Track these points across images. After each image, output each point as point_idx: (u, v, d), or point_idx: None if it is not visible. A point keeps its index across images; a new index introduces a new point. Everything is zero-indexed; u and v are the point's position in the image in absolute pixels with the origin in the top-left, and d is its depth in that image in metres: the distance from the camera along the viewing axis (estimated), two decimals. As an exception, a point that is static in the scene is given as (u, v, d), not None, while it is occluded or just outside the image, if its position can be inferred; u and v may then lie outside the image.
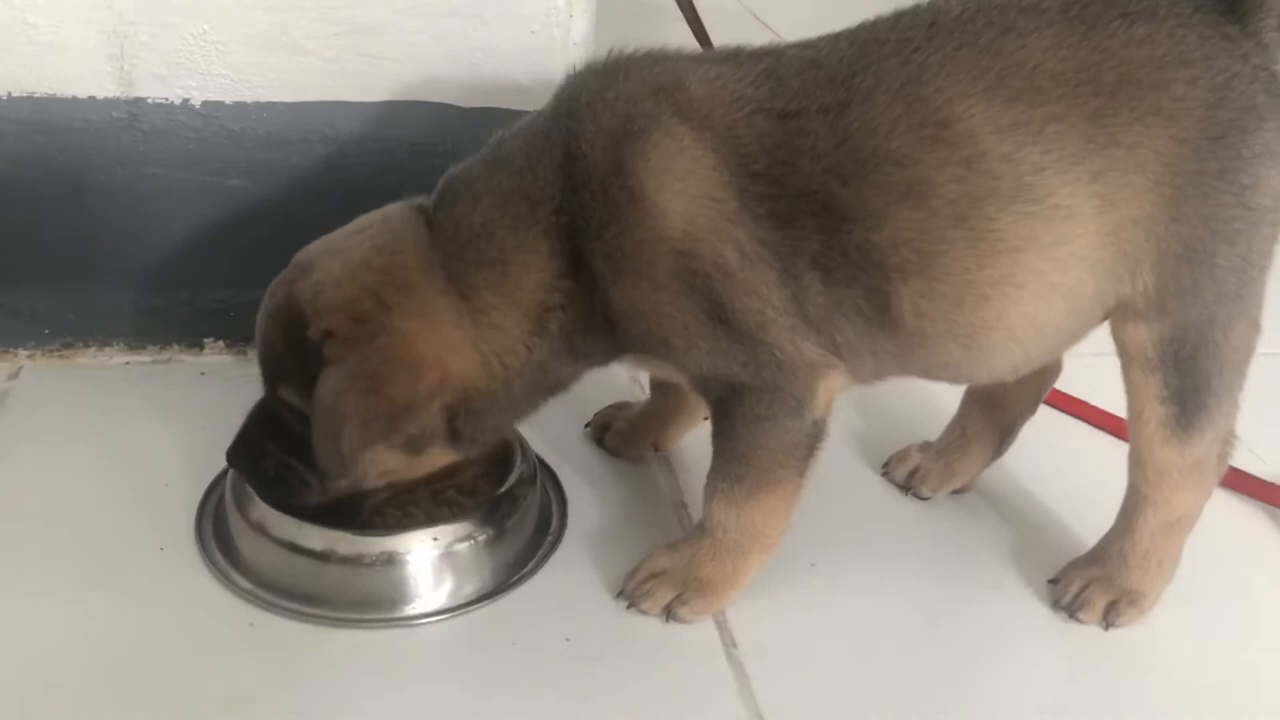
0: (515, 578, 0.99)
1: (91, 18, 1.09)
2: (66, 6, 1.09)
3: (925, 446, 1.15)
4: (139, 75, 1.13)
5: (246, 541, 0.98)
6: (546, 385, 0.94)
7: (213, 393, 1.20)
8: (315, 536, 0.95)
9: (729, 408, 0.91)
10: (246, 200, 1.19)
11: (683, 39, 1.17)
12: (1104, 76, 0.83)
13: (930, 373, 0.94)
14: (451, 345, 0.89)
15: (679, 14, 1.24)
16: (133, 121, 1.14)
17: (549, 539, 1.04)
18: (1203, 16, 0.85)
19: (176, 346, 1.26)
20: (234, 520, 0.99)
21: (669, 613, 0.95)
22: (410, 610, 0.95)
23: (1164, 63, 0.83)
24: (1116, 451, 1.02)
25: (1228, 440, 0.96)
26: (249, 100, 1.15)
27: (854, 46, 0.88)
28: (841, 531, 1.07)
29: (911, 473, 1.14)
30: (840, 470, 1.14)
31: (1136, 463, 0.96)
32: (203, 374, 1.24)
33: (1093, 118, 0.83)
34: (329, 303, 0.88)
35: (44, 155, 1.14)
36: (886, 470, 1.16)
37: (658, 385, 1.12)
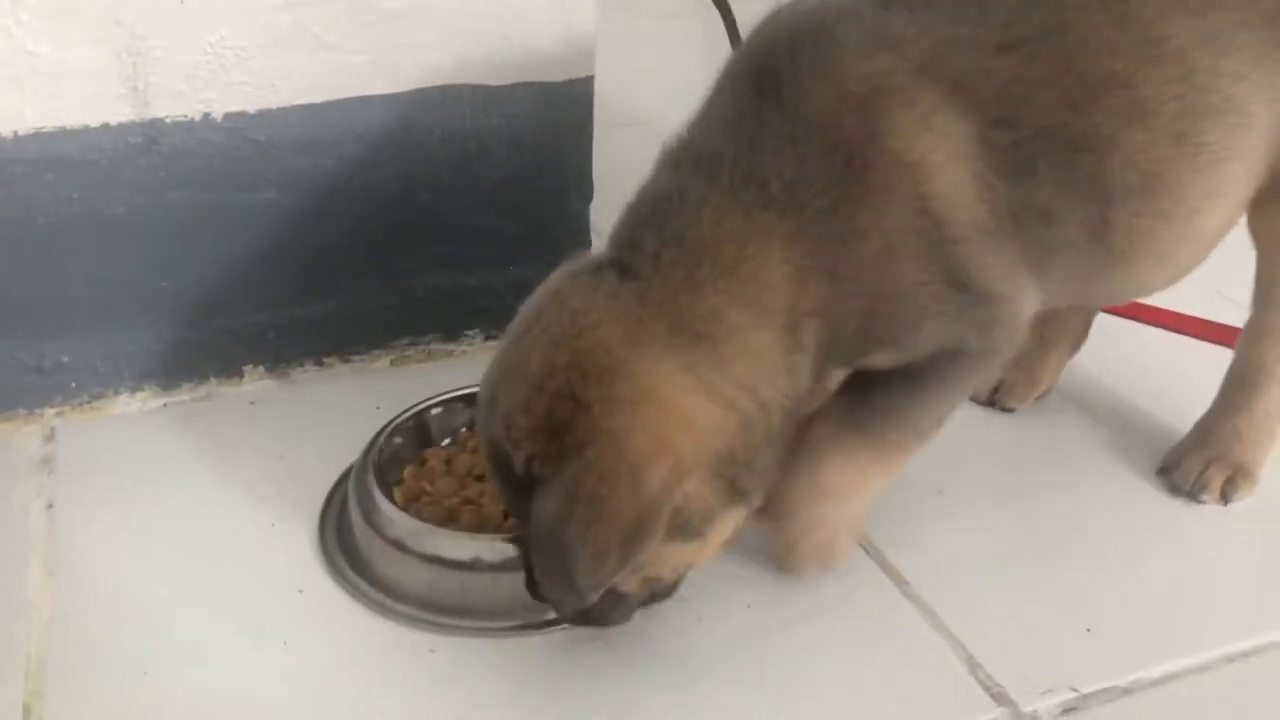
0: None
1: (100, 37, 1.00)
2: (71, 28, 0.99)
3: None
4: (155, 93, 1.04)
5: (391, 565, 0.93)
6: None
7: (268, 422, 1.13)
8: (460, 547, 0.91)
9: (925, 369, 0.85)
10: (278, 213, 1.12)
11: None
12: None
13: (1108, 296, 1.00)
14: (685, 418, 0.75)
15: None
16: (151, 145, 1.06)
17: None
18: None
19: (214, 380, 1.18)
20: (369, 544, 0.94)
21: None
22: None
23: None
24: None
25: None
26: (274, 106, 1.08)
27: None
28: (946, 457, 1.01)
29: (995, 388, 1.14)
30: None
31: (1258, 340, 1.02)
32: (251, 403, 1.16)
33: (1269, 19, 0.85)
34: (523, 430, 0.75)
35: (58, 195, 1.04)
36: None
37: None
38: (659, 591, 0.84)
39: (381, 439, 1.00)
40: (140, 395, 1.16)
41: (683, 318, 0.76)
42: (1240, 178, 0.88)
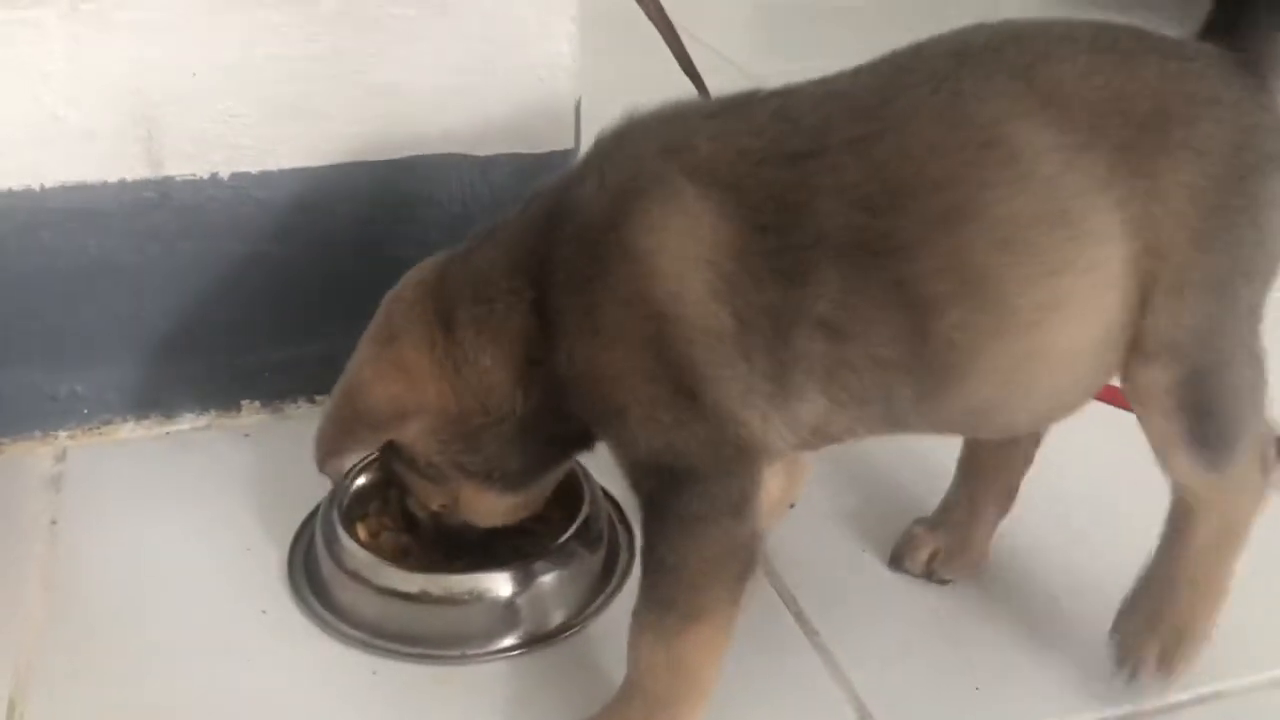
0: (596, 604, 1.06)
1: (120, 105, 1.12)
2: (95, 95, 1.11)
3: (930, 526, 1.09)
4: (167, 154, 1.16)
5: (347, 593, 1.03)
6: (555, 436, 0.94)
7: (260, 453, 1.24)
8: (408, 580, 1.01)
9: (662, 506, 0.86)
10: (276, 264, 1.23)
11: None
12: (1135, 107, 0.82)
13: (951, 425, 0.91)
14: (416, 376, 0.92)
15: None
16: (163, 200, 1.17)
17: (619, 569, 1.10)
18: (1228, 65, 0.85)
19: (214, 412, 1.29)
20: (330, 573, 1.04)
21: None
22: (497, 644, 1.01)
23: (1194, 99, 0.83)
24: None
25: (1268, 441, 0.94)
26: (274, 168, 1.19)
27: (878, 77, 0.86)
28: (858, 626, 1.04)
29: (931, 557, 1.08)
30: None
31: (1178, 492, 0.93)
32: (246, 435, 1.27)
33: (1121, 147, 0.81)
34: None
35: (78, 241, 1.17)
36: (898, 563, 1.09)
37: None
38: (445, 532, 1.02)
39: (349, 477, 1.09)
40: (145, 423, 1.27)
41: (444, 317, 0.92)
42: (1085, 297, 0.82)
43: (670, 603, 0.86)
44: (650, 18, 1.25)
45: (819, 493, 1.17)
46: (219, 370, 1.27)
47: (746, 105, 0.86)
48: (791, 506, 1.11)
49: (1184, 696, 0.95)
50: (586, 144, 1.25)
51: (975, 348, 0.82)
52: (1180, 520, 0.93)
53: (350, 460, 0.99)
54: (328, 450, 0.95)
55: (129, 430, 1.27)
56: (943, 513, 1.09)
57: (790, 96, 0.86)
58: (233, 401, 1.29)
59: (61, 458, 1.23)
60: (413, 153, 1.22)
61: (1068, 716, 0.95)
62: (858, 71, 0.87)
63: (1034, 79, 0.82)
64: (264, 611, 1.04)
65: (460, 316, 0.90)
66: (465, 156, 1.24)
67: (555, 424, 0.92)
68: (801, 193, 0.81)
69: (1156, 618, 0.94)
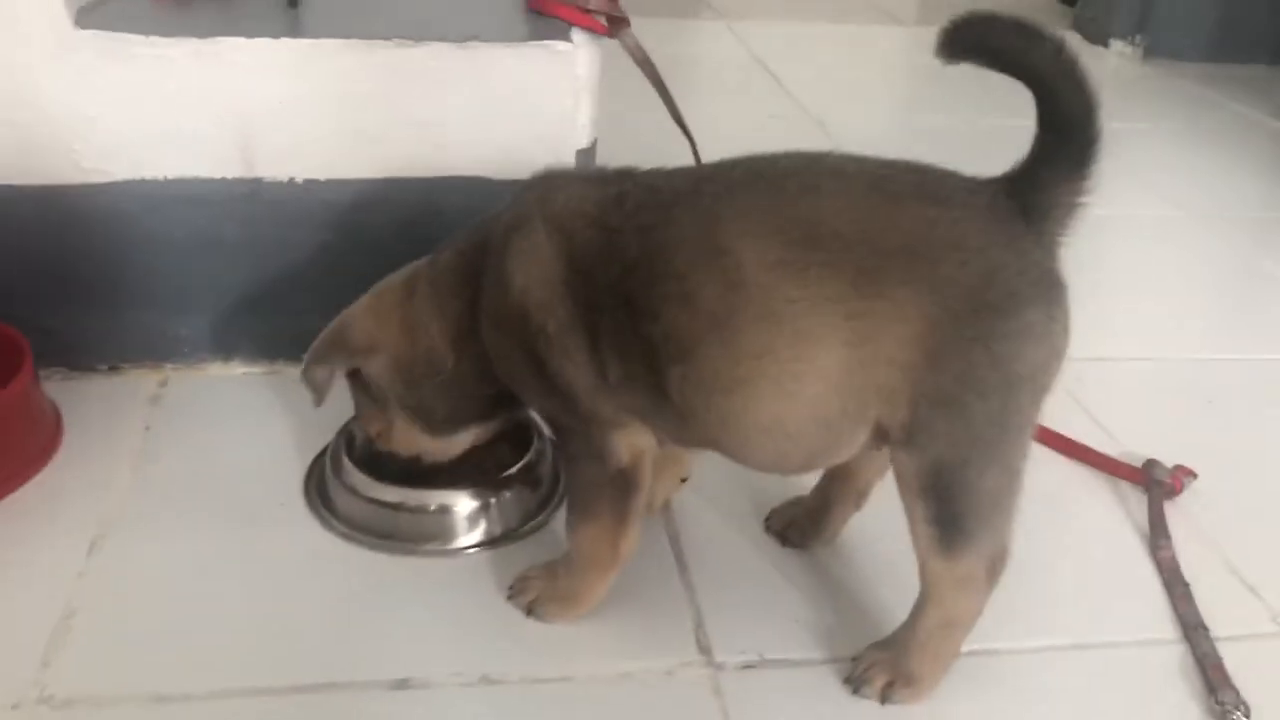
0: (532, 524, 1.38)
1: (226, 121, 1.49)
2: (208, 113, 1.48)
3: (798, 501, 1.37)
4: (258, 160, 1.52)
5: (342, 499, 1.37)
6: (486, 395, 1.24)
7: (306, 396, 1.60)
8: (391, 493, 1.34)
9: (558, 446, 1.21)
10: (335, 250, 1.59)
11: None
12: (885, 242, 0.97)
13: (716, 449, 1.11)
14: (394, 329, 1.24)
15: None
16: (254, 194, 1.54)
17: (557, 497, 1.42)
18: (993, 211, 0.99)
19: (281, 361, 1.66)
20: (331, 484, 1.38)
21: (530, 610, 1.22)
22: (459, 544, 1.34)
23: (941, 243, 0.97)
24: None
25: (997, 558, 1.08)
26: (338, 177, 1.55)
27: (689, 183, 1.07)
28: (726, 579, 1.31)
29: (787, 524, 1.36)
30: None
31: (920, 570, 1.10)
32: (298, 381, 1.63)
33: (864, 271, 0.97)
34: None
35: (188, 220, 1.54)
36: (769, 524, 1.38)
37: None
38: (385, 450, 1.34)
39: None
40: (230, 365, 1.65)
41: (414, 295, 1.24)
42: (787, 380, 1.00)
43: (572, 507, 1.21)
44: (648, 78, 1.56)
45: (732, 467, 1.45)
46: (285, 329, 1.63)
47: (610, 181, 1.12)
48: (683, 481, 1.41)
49: (966, 649, 1.19)
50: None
51: (693, 398, 1.04)
52: (920, 602, 1.12)
53: (327, 374, 1.31)
54: (312, 360, 1.29)
55: (218, 369, 1.65)
56: (809, 496, 1.37)
57: (636, 183, 1.11)
58: (297, 353, 1.64)
59: (164, 384, 1.61)
60: (446, 174, 1.57)
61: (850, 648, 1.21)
62: (686, 173, 1.11)
63: (796, 206, 1.01)
64: (281, 504, 1.39)
65: (424, 296, 1.24)
66: (489, 180, 1.57)
67: (482, 386, 1.24)
68: (604, 256, 1.07)
69: (895, 660, 1.14)
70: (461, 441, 1.33)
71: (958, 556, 1.06)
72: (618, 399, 1.10)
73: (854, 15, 4.19)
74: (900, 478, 1.06)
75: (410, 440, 1.32)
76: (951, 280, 0.97)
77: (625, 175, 1.15)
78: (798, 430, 1.04)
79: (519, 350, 1.13)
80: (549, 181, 1.17)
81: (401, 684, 1.14)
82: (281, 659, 1.16)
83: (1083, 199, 0.99)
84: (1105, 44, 3.81)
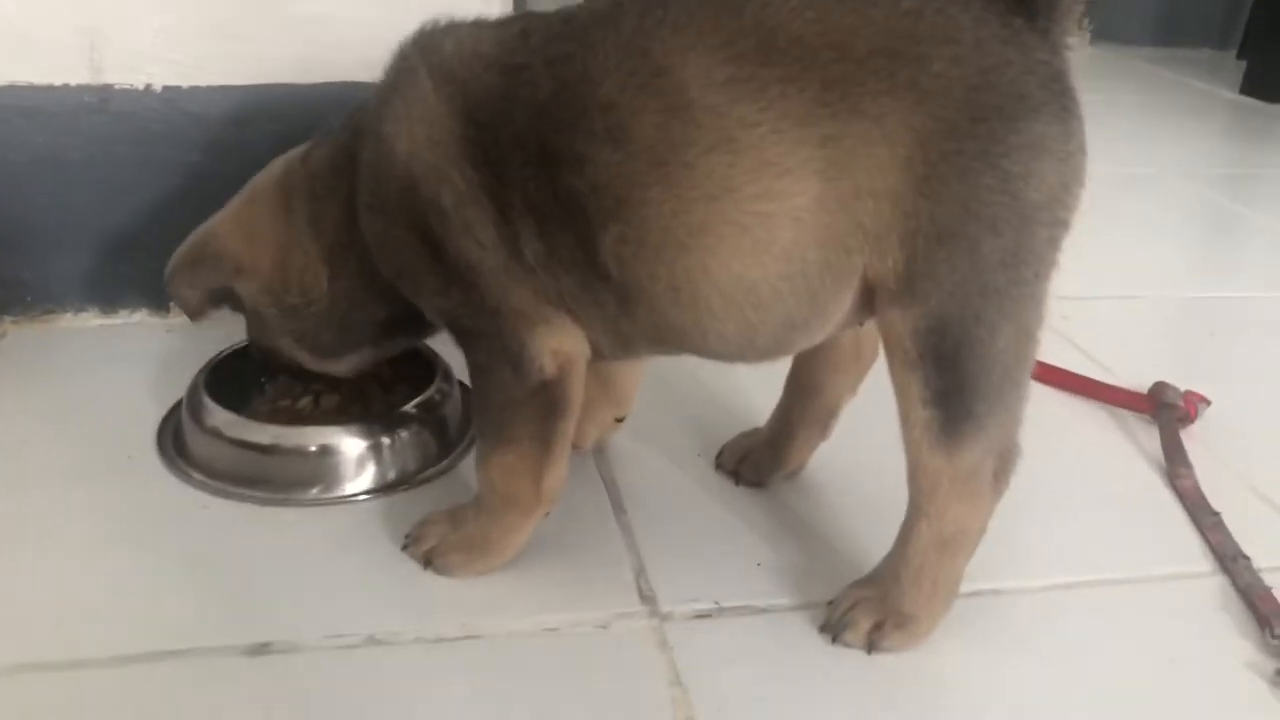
0: (433, 469, 1.14)
1: (65, 18, 1.27)
2: (43, 6, 1.26)
3: (753, 433, 1.15)
4: (108, 64, 1.30)
5: (200, 444, 1.12)
6: (377, 319, 1.05)
7: (177, 346, 1.36)
8: (262, 433, 1.10)
9: (466, 357, 0.96)
10: (204, 174, 1.36)
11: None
12: (855, 44, 0.79)
13: (664, 340, 0.91)
14: (267, 249, 1.04)
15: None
16: (103, 105, 1.31)
17: (465, 441, 1.19)
18: (985, 3, 0.81)
19: (145, 310, 1.41)
20: (189, 429, 1.14)
21: (427, 561, 0.99)
22: (344, 491, 1.10)
23: (926, 38, 0.79)
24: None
25: (1006, 455, 0.89)
26: (204, 84, 1.32)
27: (608, 5, 0.87)
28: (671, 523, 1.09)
29: (741, 459, 1.14)
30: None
31: (910, 473, 0.89)
32: (168, 331, 1.39)
33: (835, 82, 0.79)
34: None
35: (25, 137, 1.31)
36: (719, 461, 1.16)
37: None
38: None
39: (219, 358, 1.21)
40: (84, 315, 1.41)
41: (291, 209, 1.04)
42: (755, 226, 0.82)
43: (482, 432, 0.98)
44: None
45: (674, 401, 1.24)
46: (148, 271, 1.38)
47: (511, 21, 0.92)
48: (619, 420, 1.18)
49: (965, 589, 0.96)
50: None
51: (637, 265, 0.84)
52: (909, 519, 0.91)
53: (198, 295, 1.10)
54: (175, 277, 1.08)
55: (69, 320, 1.40)
56: (767, 424, 1.15)
57: (542, 19, 0.90)
58: (162, 302, 1.42)
59: (2, 337, 1.36)
60: (331, 79, 1.34)
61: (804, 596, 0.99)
62: None
63: (742, 13, 0.81)
64: (129, 457, 1.15)
65: (298, 208, 1.03)
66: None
67: (371, 308, 1.03)
68: (506, 101, 0.86)
69: (883, 598, 0.93)
70: (351, 363, 1.11)
71: (962, 447, 0.85)
72: (537, 283, 0.89)
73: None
74: (893, 349, 0.86)
75: (301, 360, 1.11)
76: (943, 82, 0.79)
77: (528, 15, 0.93)
78: (770, 292, 0.84)
79: (407, 234, 0.92)
80: (434, 31, 0.94)
81: (261, 648, 0.90)
82: (128, 624, 0.92)
83: None
84: (1050, 29, 3.71)
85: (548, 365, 0.92)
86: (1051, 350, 1.42)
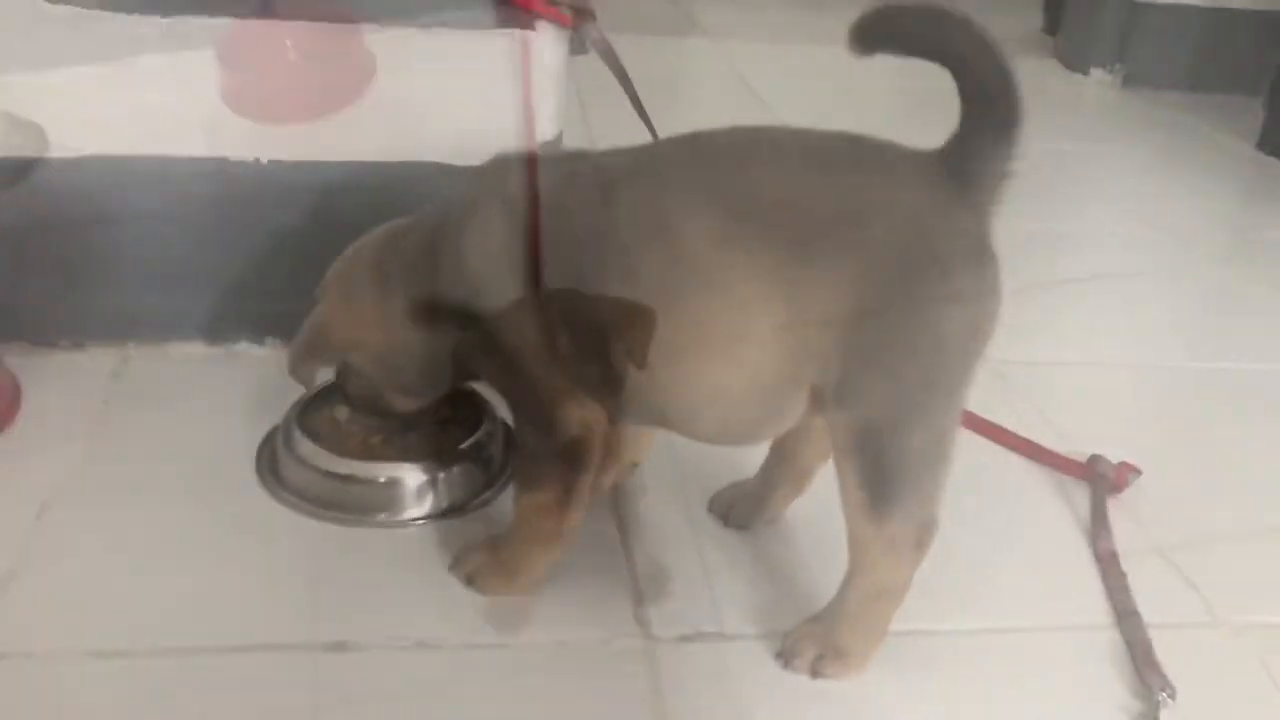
0: (479, 500, 1.39)
1: (195, 107, 1.52)
2: (176, 92, 1.51)
3: (742, 484, 1.38)
4: (225, 141, 1.55)
5: (291, 470, 1.38)
6: (439, 372, 1.27)
7: (269, 377, 1.61)
8: (342, 465, 1.36)
9: (513, 416, 1.21)
10: (298, 233, 1.60)
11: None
12: (815, 208, 1.00)
13: (662, 423, 1.14)
14: (372, 327, 1.25)
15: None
16: (219, 174, 1.56)
17: (505, 477, 1.43)
18: (924, 178, 1.01)
19: (245, 343, 1.68)
20: (283, 456, 1.40)
21: (468, 580, 1.23)
22: (406, 516, 1.35)
23: (871, 207, 1.00)
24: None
25: (925, 526, 1.08)
26: (302, 159, 1.57)
27: (632, 161, 1.10)
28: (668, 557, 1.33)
29: (730, 506, 1.37)
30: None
31: (848, 537, 1.11)
32: (263, 363, 1.65)
33: (798, 238, 1.00)
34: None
35: (156, 198, 1.56)
36: (712, 506, 1.39)
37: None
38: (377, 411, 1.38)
39: (308, 396, 1.45)
40: (191, 345, 1.67)
41: (389, 291, 1.24)
42: (726, 346, 1.03)
43: (519, 477, 1.22)
44: (612, 71, 1.58)
45: (677, 455, 1.49)
46: (247, 310, 1.65)
47: (562, 162, 1.16)
48: (635, 466, 1.43)
49: (902, 628, 1.19)
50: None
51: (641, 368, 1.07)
52: (848, 572, 1.13)
53: (312, 371, 1.35)
54: (298, 364, 1.33)
55: (176, 349, 1.66)
56: (754, 478, 1.39)
57: (588, 164, 1.14)
58: (259, 337, 1.68)
59: (126, 360, 1.63)
60: (409, 159, 1.59)
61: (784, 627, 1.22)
62: (632, 151, 1.12)
63: (735, 178, 1.04)
64: (232, 476, 1.40)
65: (395, 290, 1.24)
66: (451, 167, 1.59)
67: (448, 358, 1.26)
68: (551, 235, 1.10)
69: (825, 634, 1.14)
70: (432, 397, 1.35)
71: (885, 519, 1.06)
72: (568, 370, 1.12)
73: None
74: (834, 440, 1.07)
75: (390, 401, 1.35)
76: (880, 242, 0.99)
77: (577, 157, 1.19)
78: (740, 397, 1.06)
79: (474, 327, 1.16)
80: (504, 165, 1.19)
81: (337, 646, 1.15)
82: (219, 620, 1.17)
83: (1011, 167, 1.00)
84: (1085, 72, 3.84)
85: (575, 429, 1.16)
86: (1012, 412, 1.64)
